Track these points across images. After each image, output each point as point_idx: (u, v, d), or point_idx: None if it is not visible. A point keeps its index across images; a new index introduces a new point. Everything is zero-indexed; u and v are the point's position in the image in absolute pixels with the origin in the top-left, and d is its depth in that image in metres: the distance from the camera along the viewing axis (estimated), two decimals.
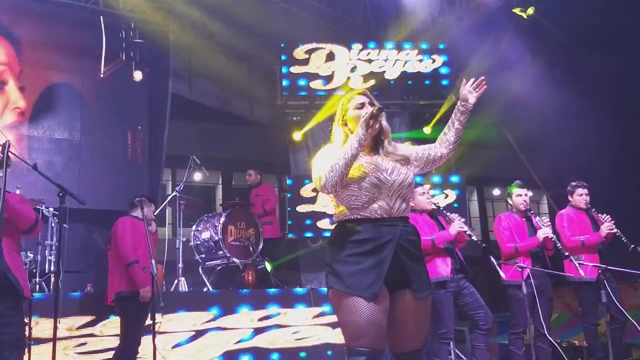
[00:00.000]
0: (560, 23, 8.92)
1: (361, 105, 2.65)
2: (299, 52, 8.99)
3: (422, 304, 2.52)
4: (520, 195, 4.90)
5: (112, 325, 5.09)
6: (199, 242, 6.42)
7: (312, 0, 9.42)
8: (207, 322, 5.49)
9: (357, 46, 9.09)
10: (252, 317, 5.69)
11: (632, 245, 4.85)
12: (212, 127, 10.26)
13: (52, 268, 5.91)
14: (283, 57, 9.03)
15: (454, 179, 8.90)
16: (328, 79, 8.99)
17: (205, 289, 6.14)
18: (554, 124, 9.31)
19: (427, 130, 9.03)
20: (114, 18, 8.39)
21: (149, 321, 4.55)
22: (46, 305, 4.68)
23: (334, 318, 5.61)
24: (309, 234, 8.64)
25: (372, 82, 8.94)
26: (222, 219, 6.25)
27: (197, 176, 10.38)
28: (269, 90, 9.41)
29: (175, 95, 8.92)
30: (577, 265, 4.63)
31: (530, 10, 8.53)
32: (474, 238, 4.56)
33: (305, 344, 5.80)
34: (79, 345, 4.98)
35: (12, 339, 3.28)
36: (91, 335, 5.04)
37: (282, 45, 9.05)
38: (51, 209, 5.84)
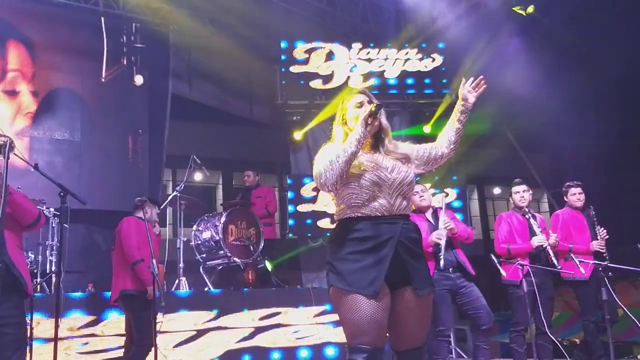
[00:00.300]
0: (560, 21, 8.93)
1: (360, 104, 2.65)
2: (299, 52, 8.99)
3: (423, 302, 2.52)
4: (518, 193, 4.91)
5: (113, 325, 5.11)
6: (199, 242, 6.42)
7: None
8: (208, 321, 5.50)
9: (356, 45, 9.09)
10: (253, 317, 5.70)
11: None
12: (212, 127, 10.28)
13: (53, 268, 5.92)
14: (283, 57, 9.03)
15: (455, 177, 8.90)
16: (328, 78, 8.99)
17: (206, 289, 6.14)
18: (554, 123, 9.32)
19: (427, 129, 9.03)
20: (114, 19, 8.40)
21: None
22: (47, 305, 4.69)
23: (334, 317, 5.63)
24: (309, 234, 8.63)
25: (372, 81, 8.94)
26: (223, 219, 6.25)
27: (198, 176, 10.39)
28: (268, 89, 9.41)
29: (176, 96, 8.93)
30: (578, 262, 4.64)
31: (530, 9, 8.53)
32: (440, 255, 4.39)
33: (306, 343, 5.81)
34: (80, 345, 4.99)
35: (15, 339, 3.28)
36: (92, 335, 5.05)
37: (282, 44, 9.05)
38: (52, 210, 5.85)
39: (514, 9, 8.65)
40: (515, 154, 10.34)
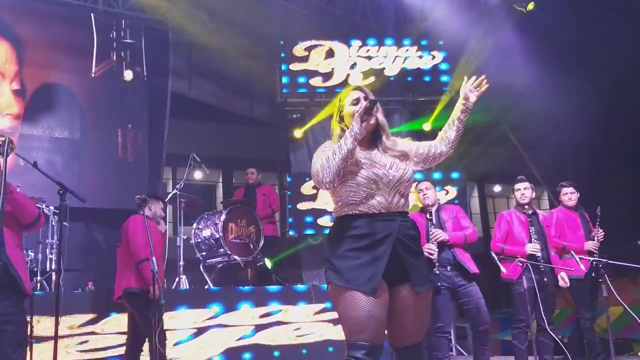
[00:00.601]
0: (561, 18, 8.92)
1: (356, 101, 2.65)
2: (299, 50, 8.98)
3: (421, 299, 2.52)
4: (519, 190, 4.92)
5: (114, 323, 5.10)
6: (199, 240, 6.42)
7: None
8: (208, 319, 5.50)
9: (356, 43, 9.08)
10: (253, 314, 5.70)
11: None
12: (212, 125, 10.27)
13: (53, 266, 5.92)
14: (282, 55, 9.02)
15: (455, 175, 8.89)
16: (327, 76, 8.98)
17: (206, 287, 6.14)
18: (554, 121, 9.31)
19: (426, 126, 9.03)
20: (112, 17, 8.39)
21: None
22: (47, 304, 4.68)
23: (335, 314, 5.60)
24: (309, 232, 8.63)
25: (371, 78, 8.94)
26: (223, 217, 6.25)
27: (198, 175, 10.39)
28: (268, 87, 9.41)
29: (175, 94, 8.93)
30: (578, 259, 4.65)
31: (531, 6, 8.52)
32: (434, 260, 4.40)
33: (307, 340, 5.81)
34: (80, 344, 4.99)
35: (15, 337, 3.27)
36: (92, 333, 5.04)
37: (282, 42, 9.04)
38: (52, 208, 5.84)
39: (514, 5, 8.64)
40: (515, 151, 10.34)
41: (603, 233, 5.11)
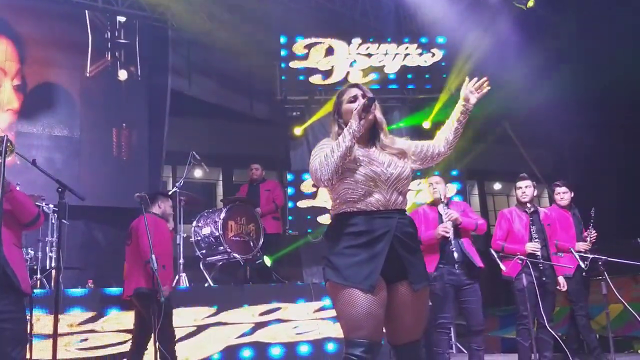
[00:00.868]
0: (561, 15, 8.90)
1: (354, 98, 2.65)
2: (298, 47, 8.96)
3: (419, 296, 2.52)
4: (520, 188, 4.93)
5: (113, 321, 5.10)
6: (199, 238, 6.41)
7: None
8: (208, 317, 5.50)
9: (356, 40, 9.05)
10: (253, 312, 5.70)
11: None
12: (212, 123, 10.25)
13: (52, 264, 5.92)
14: (282, 52, 9.00)
15: (455, 172, 8.89)
16: (327, 73, 8.96)
17: (206, 285, 6.14)
18: (554, 118, 9.30)
19: (426, 124, 9.01)
20: (111, 15, 8.38)
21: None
22: (47, 302, 4.69)
23: (334, 312, 5.62)
24: (309, 230, 8.63)
25: (371, 76, 8.92)
26: (223, 215, 6.24)
27: (198, 173, 10.38)
28: (268, 85, 9.39)
29: (175, 92, 8.92)
30: (578, 257, 4.66)
31: (531, 2, 8.50)
32: (452, 248, 4.48)
33: (306, 338, 5.81)
34: (80, 341, 4.98)
35: (15, 335, 3.27)
36: (92, 331, 5.04)
37: (282, 40, 9.02)
38: (51, 206, 5.84)
39: (514, 3, 8.62)
40: (515, 149, 10.33)
41: (596, 234, 5.14)
